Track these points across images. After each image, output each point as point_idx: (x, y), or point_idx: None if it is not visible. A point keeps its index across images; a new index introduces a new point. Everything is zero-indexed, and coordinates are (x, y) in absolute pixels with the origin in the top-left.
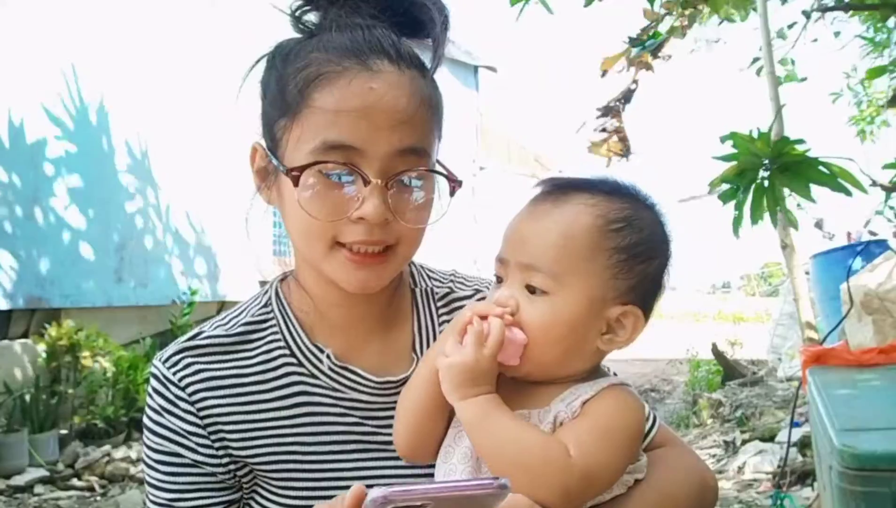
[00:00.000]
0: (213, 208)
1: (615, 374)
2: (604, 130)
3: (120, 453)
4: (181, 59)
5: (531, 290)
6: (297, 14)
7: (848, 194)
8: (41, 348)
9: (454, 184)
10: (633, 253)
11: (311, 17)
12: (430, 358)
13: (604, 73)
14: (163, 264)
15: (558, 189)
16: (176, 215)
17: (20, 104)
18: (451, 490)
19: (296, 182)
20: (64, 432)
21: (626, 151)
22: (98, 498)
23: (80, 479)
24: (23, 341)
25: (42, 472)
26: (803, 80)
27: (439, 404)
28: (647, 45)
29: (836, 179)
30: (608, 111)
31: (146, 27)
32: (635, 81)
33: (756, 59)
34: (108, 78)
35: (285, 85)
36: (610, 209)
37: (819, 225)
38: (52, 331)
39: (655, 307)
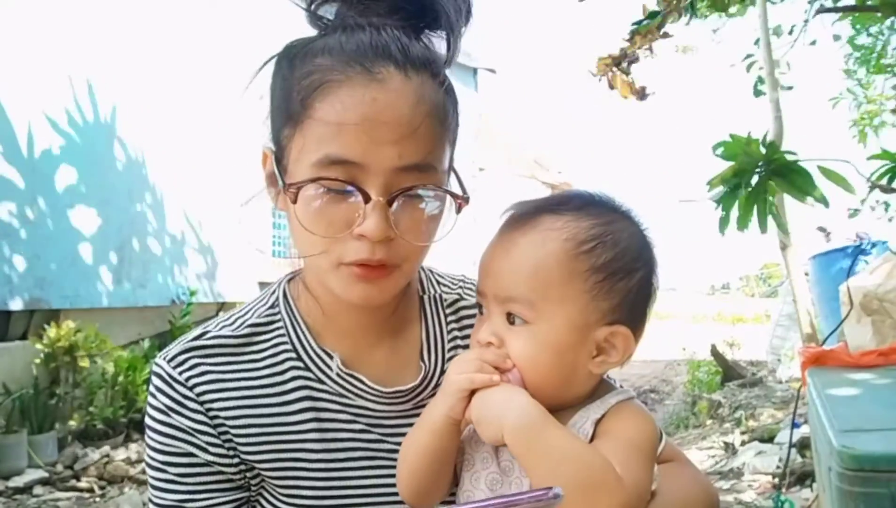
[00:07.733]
0: (213, 208)
1: (618, 384)
2: (609, 63)
3: (119, 454)
4: (180, 60)
5: (511, 320)
6: (312, 8)
7: (826, 204)
8: (40, 349)
9: (460, 201)
10: (610, 271)
11: (328, 12)
12: (435, 409)
13: (599, 76)
14: (162, 265)
15: (525, 215)
16: (175, 216)
17: (21, 105)
18: (508, 503)
19: (294, 199)
20: (63, 433)
21: (641, 93)
22: (97, 499)
23: (79, 480)
24: (22, 342)
25: (41, 473)
26: (789, 88)
27: (448, 450)
28: (645, 24)
29: (815, 185)
30: (623, 55)
31: (146, 28)
32: (650, 48)
33: (749, 55)
34: (109, 80)
35: (289, 92)
36: (579, 229)
37: (823, 230)
38: (52, 332)
39: (650, 315)
